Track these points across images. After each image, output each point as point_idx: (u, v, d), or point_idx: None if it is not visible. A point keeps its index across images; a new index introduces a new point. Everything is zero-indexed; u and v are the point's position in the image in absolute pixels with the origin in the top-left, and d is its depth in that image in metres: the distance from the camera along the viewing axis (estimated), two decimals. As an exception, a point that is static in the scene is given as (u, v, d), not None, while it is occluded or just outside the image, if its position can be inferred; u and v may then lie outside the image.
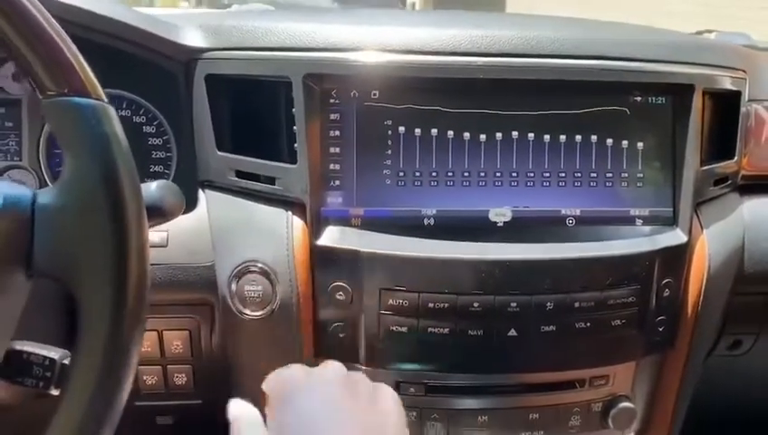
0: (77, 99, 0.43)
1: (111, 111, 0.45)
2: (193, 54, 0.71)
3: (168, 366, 0.76)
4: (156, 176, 0.76)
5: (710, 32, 1.22)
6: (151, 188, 0.53)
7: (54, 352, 0.47)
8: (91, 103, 0.44)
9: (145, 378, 0.76)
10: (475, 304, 0.66)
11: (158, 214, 0.53)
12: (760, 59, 0.87)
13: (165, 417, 0.83)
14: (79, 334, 0.43)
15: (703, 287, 0.74)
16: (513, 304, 0.67)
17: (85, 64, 0.45)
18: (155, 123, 0.75)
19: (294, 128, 0.68)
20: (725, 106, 0.78)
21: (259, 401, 0.76)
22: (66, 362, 0.46)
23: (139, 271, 0.43)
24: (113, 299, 0.42)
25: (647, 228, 0.73)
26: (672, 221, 0.73)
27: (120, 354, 0.43)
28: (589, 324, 0.68)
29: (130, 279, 0.43)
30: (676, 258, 0.72)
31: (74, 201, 0.43)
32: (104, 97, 0.45)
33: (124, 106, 0.75)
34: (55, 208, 0.43)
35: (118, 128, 0.45)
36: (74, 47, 0.45)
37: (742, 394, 0.97)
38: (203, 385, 0.77)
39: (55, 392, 0.45)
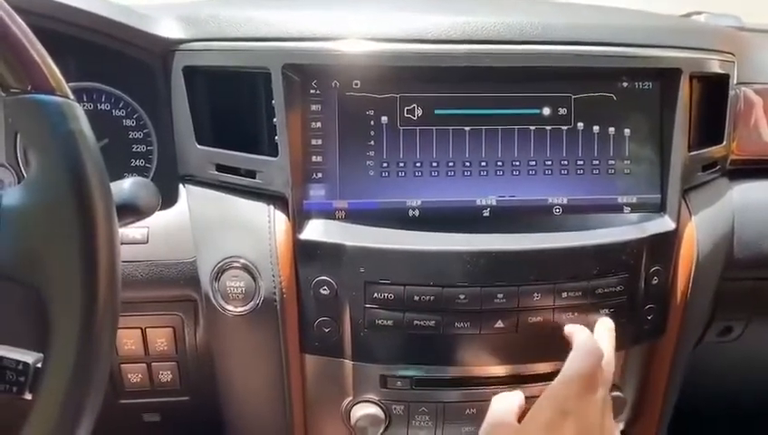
0: (41, 96, 0.42)
1: (77, 108, 0.44)
2: (170, 46, 0.70)
3: (153, 364, 0.75)
4: (137, 170, 0.75)
5: (699, 13, 1.20)
6: (125, 186, 0.52)
7: (29, 356, 0.45)
8: (56, 100, 0.43)
9: (130, 376, 0.75)
10: (461, 296, 0.65)
11: (133, 212, 0.52)
12: (749, 41, 0.86)
13: (152, 414, 0.82)
14: (49, 338, 0.42)
15: (692, 274, 0.73)
16: (500, 296, 0.66)
17: (50, 61, 0.44)
18: (135, 117, 0.74)
19: (275, 120, 0.66)
20: (714, 90, 0.77)
21: (246, 397, 0.75)
22: (41, 365, 0.45)
23: (108, 271, 0.42)
24: (83, 301, 0.41)
25: (634, 216, 0.72)
26: (660, 208, 0.72)
27: (91, 357, 0.42)
28: (576, 315, 0.68)
29: (100, 280, 0.42)
30: (665, 246, 0.71)
31: (40, 201, 0.42)
32: (70, 94, 0.44)
33: (103, 99, 0.74)
34: (21, 210, 0.42)
35: (84, 125, 0.44)
36: (38, 43, 0.44)
37: (733, 381, 0.97)
38: (189, 382, 0.77)
39: (29, 397, 0.44)
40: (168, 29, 0.70)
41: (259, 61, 0.66)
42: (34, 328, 0.56)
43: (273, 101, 0.66)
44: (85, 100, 0.73)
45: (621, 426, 0.79)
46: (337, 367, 0.69)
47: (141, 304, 0.70)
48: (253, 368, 0.72)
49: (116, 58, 0.71)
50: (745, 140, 0.81)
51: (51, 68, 0.43)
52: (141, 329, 0.73)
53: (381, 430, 0.69)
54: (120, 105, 0.74)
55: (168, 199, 0.71)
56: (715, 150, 0.77)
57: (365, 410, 0.69)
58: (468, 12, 0.68)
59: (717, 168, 0.78)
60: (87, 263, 0.41)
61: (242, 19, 0.68)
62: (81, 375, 0.42)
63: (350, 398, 0.70)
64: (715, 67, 0.75)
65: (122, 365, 0.75)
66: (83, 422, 0.43)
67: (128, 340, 0.73)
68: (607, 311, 0.69)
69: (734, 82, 0.79)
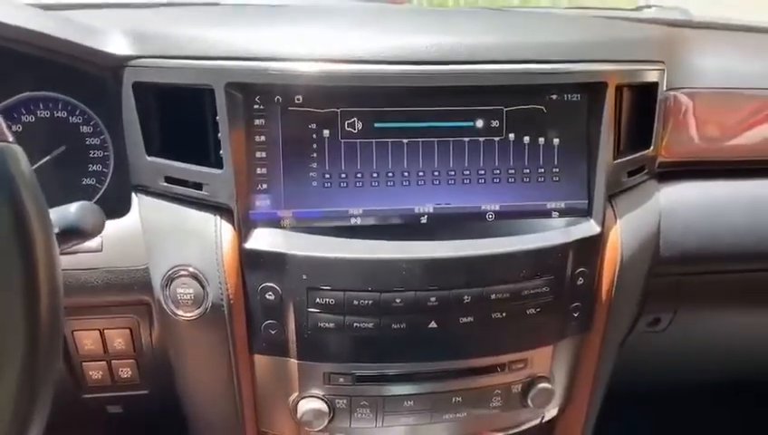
0: None
1: (17, 150, 0.47)
2: (119, 62, 0.72)
3: (113, 361, 0.80)
4: (95, 175, 0.78)
5: (649, 7, 1.23)
6: (70, 211, 0.56)
7: None
8: None
9: (91, 373, 0.80)
10: (397, 300, 0.70)
11: (79, 235, 0.56)
12: (682, 45, 0.88)
13: (115, 406, 0.87)
14: None
15: (616, 275, 0.78)
16: (433, 299, 0.70)
17: None
18: (91, 123, 0.77)
19: (220, 134, 0.69)
20: (643, 97, 0.81)
21: (201, 393, 0.80)
22: None
23: (51, 310, 0.45)
24: (25, 340, 0.44)
25: (562, 221, 0.76)
26: (587, 213, 0.77)
27: (33, 393, 0.45)
28: (505, 314, 0.72)
29: (42, 319, 0.44)
30: (590, 249, 0.76)
31: None
32: (9, 137, 0.47)
33: (60, 107, 0.76)
34: None
35: (25, 167, 0.47)
36: None
37: (662, 369, 1.03)
38: (148, 377, 0.81)
39: None
40: (117, 45, 0.72)
41: (203, 79, 0.69)
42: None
43: (218, 117, 0.69)
44: (42, 108, 0.76)
45: (554, 413, 0.85)
46: (284, 366, 0.74)
47: (98, 308, 0.74)
48: (205, 367, 0.76)
49: (70, 70, 0.74)
50: (674, 143, 0.85)
51: None
52: (100, 330, 0.77)
53: (326, 423, 0.75)
54: (77, 113, 0.76)
55: (123, 208, 0.75)
56: (641, 156, 0.81)
57: (310, 404, 0.74)
58: (403, 33, 0.71)
59: (644, 172, 0.82)
60: (30, 304, 0.44)
61: (187, 38, 0.71)
62: (24, 411, 0.44)
63: (297, 393, 0.75)
64: (642, 77, 0.79)
65: (84, 363, 0.79)
66: None
67: (87, 340, 0.77)
68: (533, 310, 0.74)
69: (664, 88, 0.82)
